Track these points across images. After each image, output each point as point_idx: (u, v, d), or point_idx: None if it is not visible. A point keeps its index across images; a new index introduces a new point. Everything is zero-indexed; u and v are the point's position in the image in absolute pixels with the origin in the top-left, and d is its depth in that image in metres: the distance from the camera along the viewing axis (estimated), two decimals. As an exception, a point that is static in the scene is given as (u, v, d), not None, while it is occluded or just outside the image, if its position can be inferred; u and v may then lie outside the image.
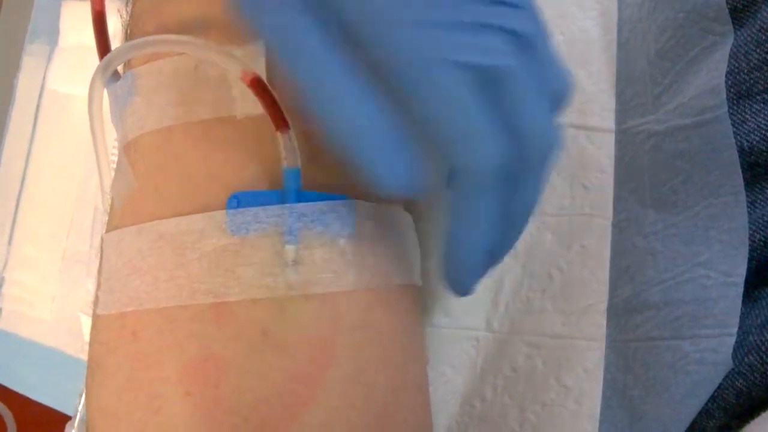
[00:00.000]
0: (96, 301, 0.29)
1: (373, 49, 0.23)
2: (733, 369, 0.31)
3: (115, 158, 0.32)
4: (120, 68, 0.31)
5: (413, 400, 0.30)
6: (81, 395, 0.42)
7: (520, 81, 0.24)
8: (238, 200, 0.27)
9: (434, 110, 0.23)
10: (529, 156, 0.25)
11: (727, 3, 0.34)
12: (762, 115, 0.33)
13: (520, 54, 0.23)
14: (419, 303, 0.33)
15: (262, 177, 0.28)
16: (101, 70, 0.30)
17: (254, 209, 0.27)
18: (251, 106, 0.27)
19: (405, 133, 0.24)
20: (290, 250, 0.27)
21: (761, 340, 0.31)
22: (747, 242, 0.31)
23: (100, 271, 0.30)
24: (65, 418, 0.45)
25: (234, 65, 0.27)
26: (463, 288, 0.28)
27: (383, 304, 0.29)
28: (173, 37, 0.28)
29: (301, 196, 0.27)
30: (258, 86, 0.27)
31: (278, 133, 0.27)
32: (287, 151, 0.27)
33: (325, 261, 0.27)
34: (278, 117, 0.27)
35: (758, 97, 0.33)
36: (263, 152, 0.28)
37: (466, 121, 0.23)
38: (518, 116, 0.24)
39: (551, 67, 0.25)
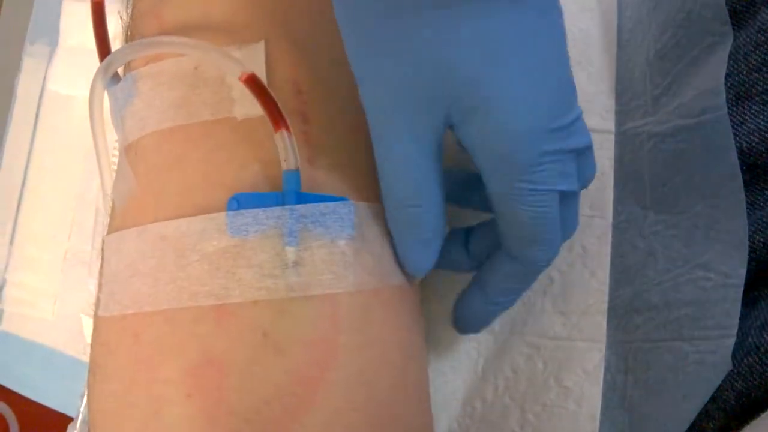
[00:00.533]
0: (97, 303, 0.30)
1: (485, 163, 0.27)
2: (732, 370, 0.31)
3: (116, 160, 0.32)
4: (120, 70, 0.31)
5: (414, 401, 0.30)
6: (83, 396, 0.42)
7: (577, 197, 0.30)
8: (239, 202, 0.27)
9: (530, 225, 0.28)
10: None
11: (727, 4, 0.34)
12: (761, 117, 0.33)
13: (578, 162, 0.28)
14: (419, 303, 0.33)
15: (263, 178, 0.28)
16: (102, 72, 0.30)
17: (254, 211, 0.27)
18: (251, 107, 0.27)
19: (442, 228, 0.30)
20: (290, 251, 0.27)
21: (760, 342, 0.31)
22: (747, 243, 0.31)
23: (101, 273, 0.30)
24: (67, 419, 0.45)
25: (233, 66, 0.27)
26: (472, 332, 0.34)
27: (383, 305, 0.29)
28: (172, 38, 0.28)
29: (300, 198, 0.27)
30: (256, 87, 0.27)
31: (276, 135, 0.27)
32: (286, 152, 0.27)
33: (324, 262, 0.27)
34: (277, 118, 0.27)
35: (757, 99, 0.33)
36: (263, 154, 0.28)
37: (551, 234, 0.28)
38: (570, 223, 0.31)
39: (591, 165, 0.31)
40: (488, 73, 0.25)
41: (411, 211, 0.28)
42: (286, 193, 0.27)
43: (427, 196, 0.28)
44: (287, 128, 0.27)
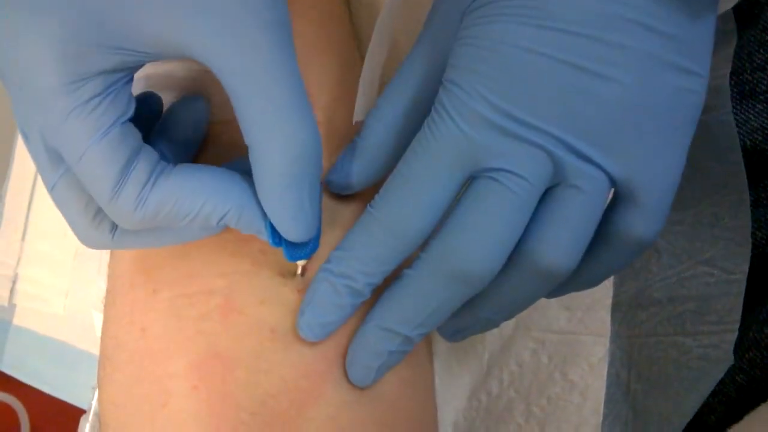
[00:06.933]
0: (107, 297, 0.30)
1: None
2: (734, 365, 0.31)
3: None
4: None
5: (420, 395, 0.31)
6: (94, 389, 0.43)
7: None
8: None
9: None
10: None
11: (731, 3, 0.34)
12: (765, 115, 0.33)
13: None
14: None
15: None
16: None
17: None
18: None
19: None
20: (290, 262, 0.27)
21: (761, 336, 0.31)
22: (750, 240, 0.32)
23: (109, 270, 0.31)
24: (78, 412, 0.46)
25: None
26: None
27: None
28: None
29: None
30: None
31: None
32: None
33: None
34: None
35: (761, 97, 0.34)
36: None
37: None
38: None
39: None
40: None
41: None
42: None
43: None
44: None
